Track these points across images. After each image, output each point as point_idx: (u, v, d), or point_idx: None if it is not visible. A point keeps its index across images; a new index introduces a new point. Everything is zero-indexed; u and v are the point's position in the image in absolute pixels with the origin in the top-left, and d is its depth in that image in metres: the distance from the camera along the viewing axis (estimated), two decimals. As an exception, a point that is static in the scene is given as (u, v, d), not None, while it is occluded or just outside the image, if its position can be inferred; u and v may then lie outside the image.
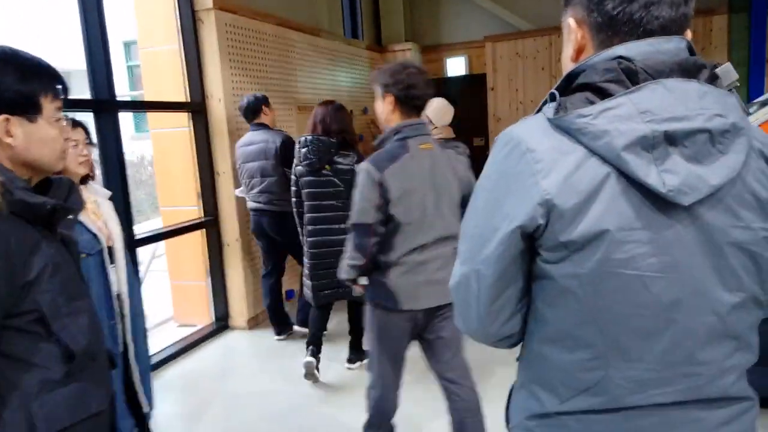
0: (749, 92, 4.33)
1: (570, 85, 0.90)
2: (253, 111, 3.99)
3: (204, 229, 4.39)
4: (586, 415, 0.91)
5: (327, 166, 3.28)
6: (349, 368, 3.76)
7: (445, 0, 7.26)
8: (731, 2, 4.88)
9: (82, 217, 2.05)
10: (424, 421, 2.98)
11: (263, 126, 3.98)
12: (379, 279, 2.17)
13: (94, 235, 2.11)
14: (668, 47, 0.88)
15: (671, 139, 0.81)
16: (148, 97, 4.41)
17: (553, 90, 0.92)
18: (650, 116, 0.81)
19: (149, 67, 4.39)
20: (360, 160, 3.15)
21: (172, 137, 4.38)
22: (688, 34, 0.93)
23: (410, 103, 2.11)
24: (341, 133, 3.30)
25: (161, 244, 4.82)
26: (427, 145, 2.13)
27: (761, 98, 3.02)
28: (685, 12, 0.90)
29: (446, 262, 2.14)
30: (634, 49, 0.87)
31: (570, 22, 0.97)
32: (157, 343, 4.17)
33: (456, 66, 7.29)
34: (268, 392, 3.51)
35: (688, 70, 0.86)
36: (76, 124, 2.22)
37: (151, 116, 4.53)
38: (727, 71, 2.52)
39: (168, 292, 4.77)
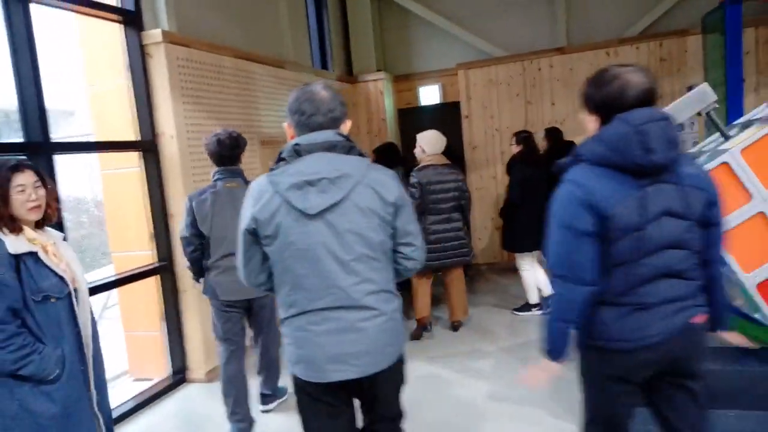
0: (728, 112, 4.16)
1: (281, 157, 1.83)
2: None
3: (158, 275, 4.09)
4: (294, 317, 1.86)
5: None
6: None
7: (416, 29, 7.14)
8: (705, 22, 4.76)
9: (47, 260, 2.06)
10: None
11: None
12: (206, 278, 3.28)
13: (61, 278, 2.08)
14: (320, 137, 1.80)
15: (310, 183, 1.75)
16: (99, 136, 4.15)
17: (272, 163, 1.85)
18: (301, 173, 1.76)
19: (97, 105, 4.14)
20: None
21: (123, 178, 4.11)
22: (346, 125, 1.89)
23: (217, 160, 3.21)
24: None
25: (113, 293, 4.51)
26: (232, 184, 3.20)
27: (741, 120, 2.81)
28: (333, 117, 1.83)
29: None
30: (302, 139, 1.81)
31: (284, 125, 1.91)
32: (111, 399, 3.84)
33: (430, 94, 7.13)
34: (223, 457, 3.19)
35: (328, 148, 1.79)
36: (23, 167, 2.08)
37: (102, 157, 4.27)
38: (704, 92, 2.33)
39: (122, 344, 4.43)
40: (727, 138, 2.64)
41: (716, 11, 4.33)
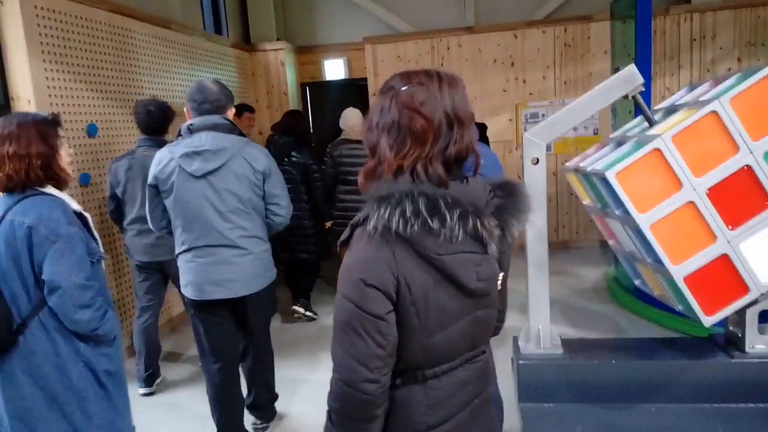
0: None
1: (179, 133, 2.57)
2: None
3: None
4: (184, 252, 2.57)
5: (285, 159, 4.33)
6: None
7: (320, -3, 6.68)
8: (613, 9, 4.78)
9: (90, 222, 2.02)
10: None
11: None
12: (124, 237, 3.52)
13: (96, 242, 2.03)
14: (208, 120, 2.51)
15: (197, 153, 2.46)
16: (-69, 97, 3.37)
17: (172, 138, 2.77)
18: (191, 146, 2.47)
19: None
20: (312, 155, 4.50)
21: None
22: (230, 111, 2.62)
23: (144, 129, 3.37)
24: (295, 134, 4.48)
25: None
26: (149, 153, 3.16)
27: (664, 104, 2.73)
28: (218, 105, 2.55)
29: (149, 231, 3.26)
30: (195, 121, 2.52)
31: (185, 109, 2.60)
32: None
33: (335, 69, 6.73)
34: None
35: (213, 128, 2.50)
36: (59, 120, 2.02)
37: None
38: (631, 74, 2.56)
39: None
40: (652, 123, 2.53)
41: (625, -3, 4.33)
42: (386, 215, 1.05)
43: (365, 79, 6.50)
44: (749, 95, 2.21)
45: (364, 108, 6.57)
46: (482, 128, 4.93)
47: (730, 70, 5.63)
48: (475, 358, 1.23)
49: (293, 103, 6.55)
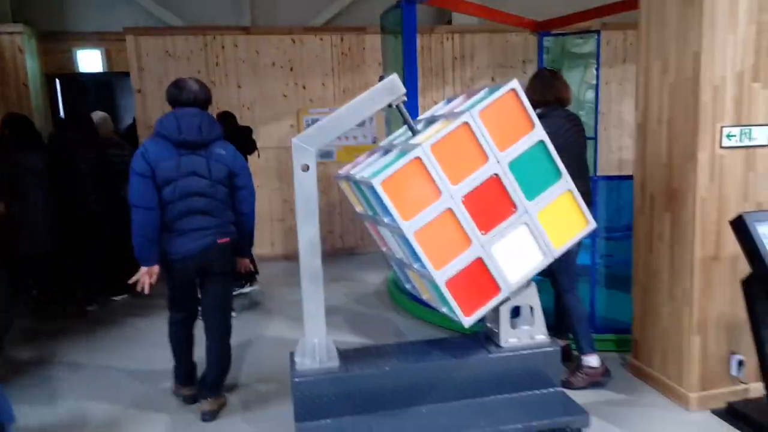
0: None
1: None
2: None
3: None
4: None
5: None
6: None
7: (69, -23, 5.82)
8: (383, 23, 4.96)
9: None
10: None
11: None
12: None
13: None
14: None
15: None
16: None
17: None
18: None
19: None
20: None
21: None
22: None
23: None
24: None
25: None
26: None
27: (425, 115, 2.84)
28: None
29: None
30: None
31: None
32: None
33: (90, 60, 5.91)
34: None
35: None
36: None
37: None
38: (393, 83, 2.67)
39: None
40: (414, 132, 2.59)
41: (392, 11, 4.50)
42: None
43: (127, 73, 5.83)
44: (495, 108, 2.36)
45: (127, 105, 5.91)
46: (230, 117, 4.82)
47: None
48: None
49: (36, 97, 5.59)
